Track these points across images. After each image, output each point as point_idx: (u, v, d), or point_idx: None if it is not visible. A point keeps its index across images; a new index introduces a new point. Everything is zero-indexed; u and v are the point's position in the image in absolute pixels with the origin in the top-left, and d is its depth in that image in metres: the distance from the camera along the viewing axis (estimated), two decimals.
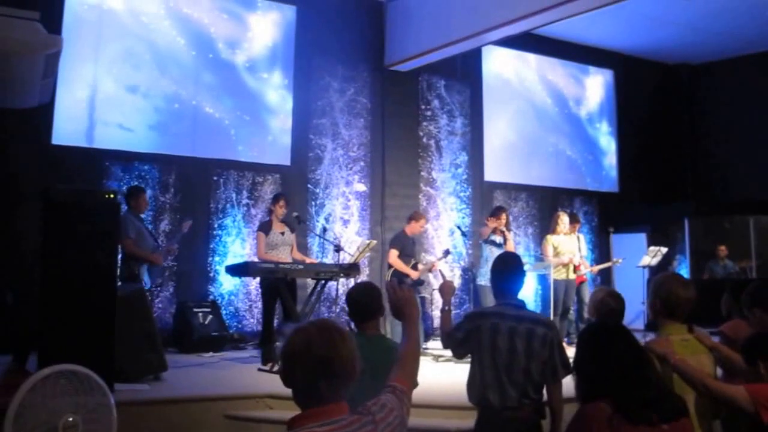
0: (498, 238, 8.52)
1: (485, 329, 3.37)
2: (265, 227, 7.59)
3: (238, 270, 7.01)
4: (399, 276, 7.98)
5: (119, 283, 6.53)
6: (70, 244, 4.94)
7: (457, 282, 10.47)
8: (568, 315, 8.99)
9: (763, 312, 3.47)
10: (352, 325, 3.46)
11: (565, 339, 8.82)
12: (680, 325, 3.12)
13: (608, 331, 2.50)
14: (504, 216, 8.57)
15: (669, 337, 3.04)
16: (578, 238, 9.42)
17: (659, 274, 3.27)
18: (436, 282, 10.15)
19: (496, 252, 8.46)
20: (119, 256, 6.67)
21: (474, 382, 3.43)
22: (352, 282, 8.90)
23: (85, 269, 4.98)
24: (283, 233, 7.57)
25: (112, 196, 5.21)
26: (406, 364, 2.28)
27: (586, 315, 8.14)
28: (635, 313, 10.79)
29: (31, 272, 6.25)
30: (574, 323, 9.06)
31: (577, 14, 8.15)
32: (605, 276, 9.74)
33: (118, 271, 6.75)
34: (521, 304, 3.49)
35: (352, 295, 3.43)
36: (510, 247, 8.62)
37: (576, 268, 9.12)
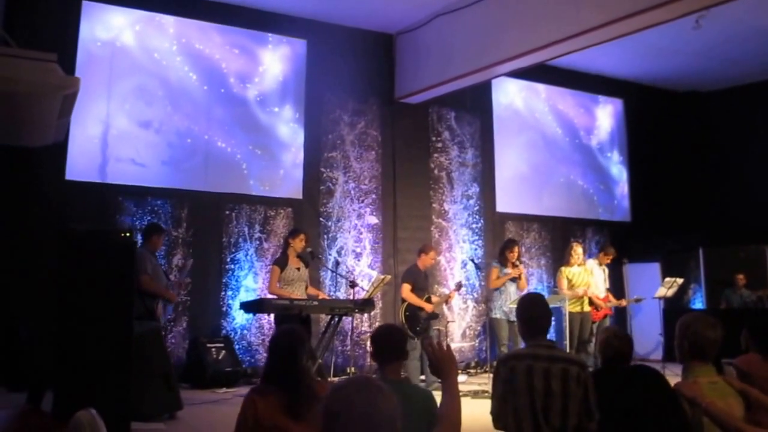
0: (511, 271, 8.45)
1: (520, 371, 3.29)
2: (281, 262, 7.54)
3: (253, 306, 6.99)
4: (413, 309, 7.93)
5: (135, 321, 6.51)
6: (86, 284, 4.93)
7: (470, 315, 10.39)
8: (585, 348, 8.86)
9: None
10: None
11: None
12: (708, 366, 3.07)
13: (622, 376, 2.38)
14: (516, 249, 8.52)
15: (697, 379, 2.99)
16: (604, 270, 9.29)
17: (686, 314, 3.21)
18: (450, 314, 10.09)
19: (509, 285, 8.39)
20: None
21: (507, 426, 3.35)
22: (366, 317, 8.89)
23: (101, 308, 4.96)
24: (299, 269, 7.54)
25: (128, 234, 5.21)
26: (449, 423, 2.26)
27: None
28: (653, 344, 10.67)
29: (45, 309, 6.24)
30: (592, 357, 8.93)
31: (586, 47, 8.20)
32: (621, 308, 9.65)
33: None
34: (552, 344, 3.44)
35: (378, 336, 3.37)
36: (523, 280, 8.54)
37: (604, 300, 9.01)
